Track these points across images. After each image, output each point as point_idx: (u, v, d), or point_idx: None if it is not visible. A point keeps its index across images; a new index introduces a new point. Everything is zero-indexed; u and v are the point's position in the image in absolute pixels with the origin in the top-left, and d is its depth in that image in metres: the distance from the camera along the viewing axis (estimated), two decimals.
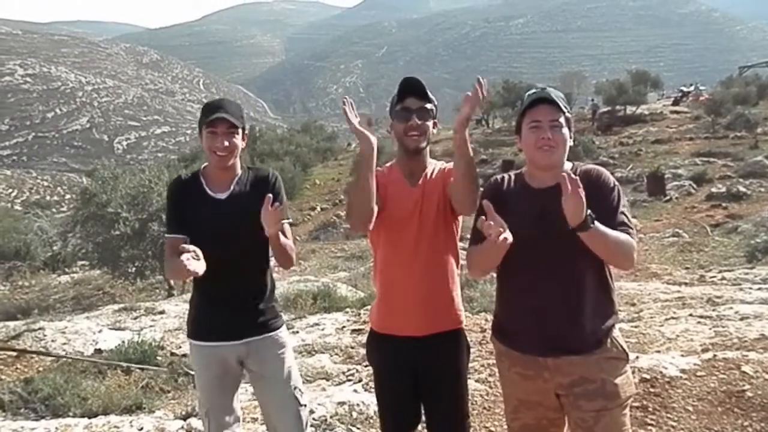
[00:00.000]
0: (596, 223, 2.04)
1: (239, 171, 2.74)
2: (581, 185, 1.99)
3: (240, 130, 2.67)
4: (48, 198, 70.58)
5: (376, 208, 2.42)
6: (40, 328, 7.05)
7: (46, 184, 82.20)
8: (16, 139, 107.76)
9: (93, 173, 18.19)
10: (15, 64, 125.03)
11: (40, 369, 5.98)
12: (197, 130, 2.75)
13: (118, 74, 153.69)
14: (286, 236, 2.65)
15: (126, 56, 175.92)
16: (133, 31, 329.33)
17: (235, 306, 2.68)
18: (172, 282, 12.57)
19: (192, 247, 2.36)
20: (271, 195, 2.44)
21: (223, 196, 2.69)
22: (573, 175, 2.01)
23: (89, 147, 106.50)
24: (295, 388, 2.74)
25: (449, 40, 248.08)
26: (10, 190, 77.81)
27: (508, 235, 2.05)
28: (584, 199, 1.99)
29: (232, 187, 2.70)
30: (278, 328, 2.77)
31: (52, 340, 6.75)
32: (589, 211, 2.02)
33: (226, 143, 2.61)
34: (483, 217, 2.10)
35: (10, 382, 5.31)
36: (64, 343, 6.67)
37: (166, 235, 2.73)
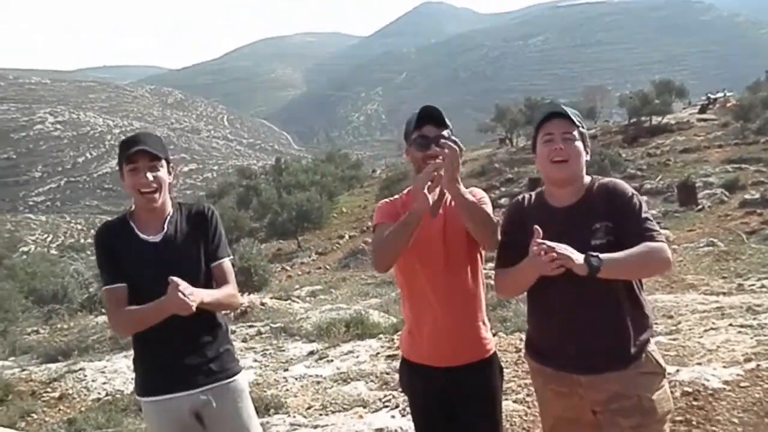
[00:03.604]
0: (604, 259, 2.03)
1: (170, 209, 2.55)
2: (595, 201, 2.00)
3: (164, 162, 2.49)
4: (82, 241, 71.87)
5: None
6: (80, 369, 7.16)
7: (79, 227, 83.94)
8: (48, 185, 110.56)
9: None
10: (45, 113, 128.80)
11: (82, 409, 6.06)
12: (118, 168, 2.51)
13: (145, 116, 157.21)
14: (225, 277, 2.52)
15: (151, 98, 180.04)
16: (157, 73, 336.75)
17: (184, 355, 2.48)
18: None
19: (177, 281, 2.24)
20: (173, 278, 2.24)
21: (156, 238, 2.49)
22: (542, 247, 2.01)
23: (120, 189, 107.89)
24: None
25: (468, 62, 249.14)
26: (46, 235, 79.60)
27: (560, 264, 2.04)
28: (569, 251, 2.00)
29: (165, 228, 2.50)
30: (235, 374, 2.58)
31: (93, 380, 6.84)
32: (589, 253, 2.02)
33: (151, 177, 2.43)
34: (537, 240, 2.07)
35: (53, 423, 5.40)
36: (104, 383, 6.76)
37: (105, 287, 2.49)
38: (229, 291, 2.52)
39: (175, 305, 2.27)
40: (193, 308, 2.27)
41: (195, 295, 2.28)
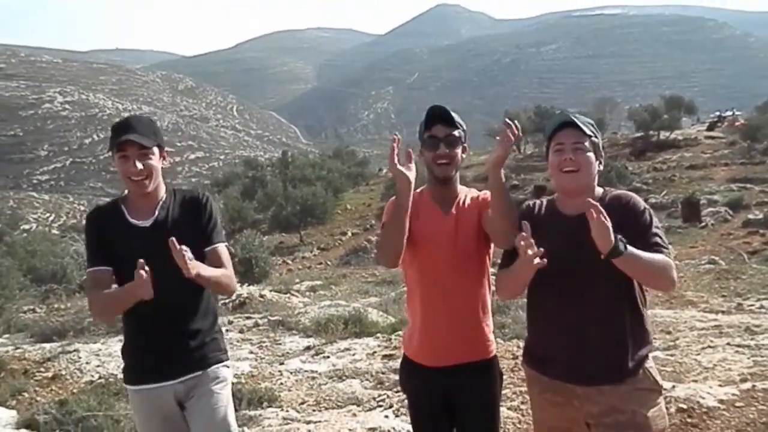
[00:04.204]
0: (629, 247, 2.02)
1: (163, 194, 2.53)
2: (605, 212, 1.98)
3: (155, 149, 2.46)
4: (84, 222, 72.13)
5: (405, 244, 2.42)
6: (75, 350, 7.16)
7: (82, 208, 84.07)
8: (54, 164, 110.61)
9: None
10: (55, 92, 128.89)
11: (74, 391, 6.06)
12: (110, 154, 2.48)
13: (154, 101, 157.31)
14: (221, 261, 2.48)
15: (162, 83, 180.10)
16: (170, 59, 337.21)
17: (171, 344, 2.46)
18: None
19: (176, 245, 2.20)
20: (173, 238, 2.21)
21: (146, 223, 2.47)
22: (595, 203, 2.00)
23: None
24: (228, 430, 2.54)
25: (480, 67, 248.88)
26: (48, 214, 79.80)
27: (541, 259, 2.06)
28: (610, 225, 1.98)
29: (156, 213, 2.49)
30: (218, 362, 2.56)
31: (87, 362, 6.85)
32: (619, 236, 2.00)
33: (140, 166, 2.40)
34: (522, 234, 2.10)
35: (45, 404, 5.39)
36: (98, 366, 6.76)
37: (89, 269, 2.48)
38: (226, 272, 2.48)
39: (137, 289, 2.21)
40: (193, 273, 2.23)
41: (194, 263, 2.24)
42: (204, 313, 2.55)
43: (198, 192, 2.63)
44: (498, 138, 2.29)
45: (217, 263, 2.49)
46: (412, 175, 2.36)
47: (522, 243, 2.08)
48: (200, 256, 2.40)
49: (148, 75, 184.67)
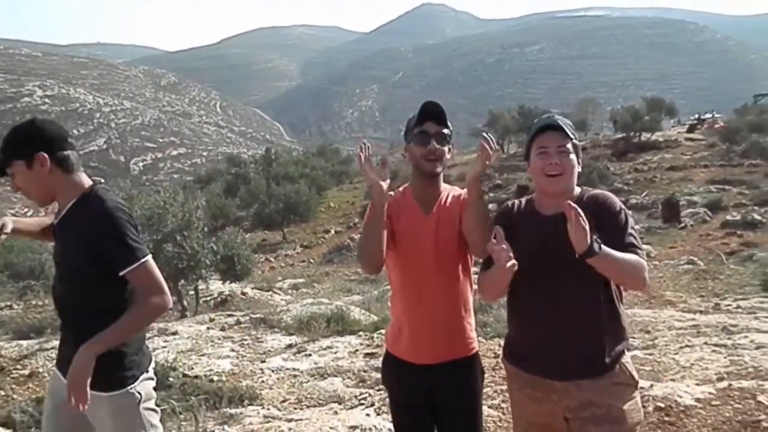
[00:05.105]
0: (603, 247, 2.04)
1: (67, 201, 2.31)
2: (583, 212, 2.01)
3: (23, 164, 2.24)
4: None
5: (385, 252, 2.43)
6: (52, 348, 7.08)
7: None
8: None
9: None
10: (34, 86, 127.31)
11: None
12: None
13: (136, 96, 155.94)
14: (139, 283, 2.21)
15: (144, 78, 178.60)
16: (152, 54, 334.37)
17: (70, 350, 2.23)
18: (185, 303, 12.61)
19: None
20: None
21: (57, 228, 2.37)
22: (573, 204, 2.03)
23: (105, 168, 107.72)
24: None
25: (465, 66, 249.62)
26: (26, 210, 78.69)
27: (514, 261, 2.10)
28: (587, 226, 2.00)
29: (58, 221, 2.35)
30: (114, 390, 2.27)
31: None
32: (595, 237, 2.03)
33: (17, 186, 2.28)
34: (493, 241, 2.13)
35: (21, 401, 5.33)
36: None
37: None
38: (133, 311, 2.22)
39: None
40: (85, 409, 2.13)
41: (82, 394, 2.10)
42: (97, 316, 2.23)
43: (102, 207, 2.31)
44: (476, 154, 2.30)
45: (135, 285, 2.32)
46: (386, 184, 2.35)
47: (494, 249, 2.11)
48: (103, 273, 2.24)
49: (131, 70, 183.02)
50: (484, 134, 2.30)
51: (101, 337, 2.16)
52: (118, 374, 2.28)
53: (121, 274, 2.20)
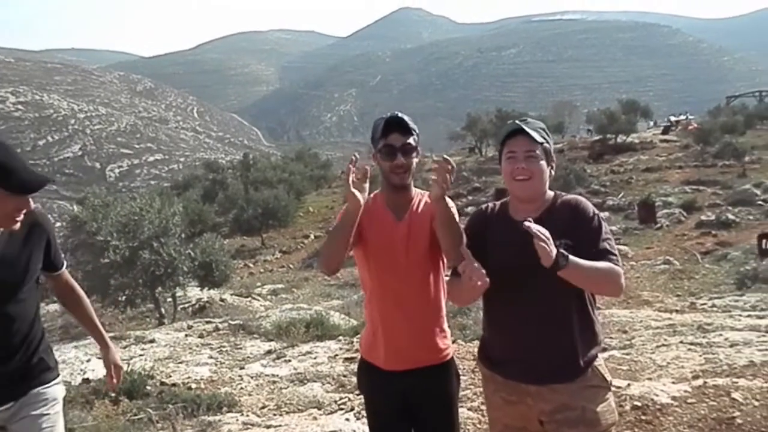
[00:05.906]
0: (570, 258, 2.04)
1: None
2: (556, 216, 2.01)
3: None
4: None
5: (345, 256, 2.44)
6: None
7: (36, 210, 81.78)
8: None
9: (84, 201, 18.12)
10: (6, 92, 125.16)
11: None
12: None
13: (112, 102, 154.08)
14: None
15: (119, 84, 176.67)
16: (128, 60, 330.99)
17: None
18: (162, 310, 12.49)
19: None
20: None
21: None
22: (531, 223, 2.02)
23: (81, 174, 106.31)
24: None
25: (442, 70, 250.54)
26: None
27: (485, 279, 2.11)
28: (550, 243, 2.00)
29: None
30: (47, 383, 2.42)
31: None
32: (561, 251, 2.03)
33: None
34: (464, 262, 2.14)
35: None
36: None
37: None
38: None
39: None
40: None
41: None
42: (30, 334, 2.39)
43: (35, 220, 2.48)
44: (433, 178, 2.27)
45: None
46: (363, 197, 2.36)
47: (466, 269, 2.12)
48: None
49: (106, 75, 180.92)
50: (444, 156, 2.29)
51: None
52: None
53: None
